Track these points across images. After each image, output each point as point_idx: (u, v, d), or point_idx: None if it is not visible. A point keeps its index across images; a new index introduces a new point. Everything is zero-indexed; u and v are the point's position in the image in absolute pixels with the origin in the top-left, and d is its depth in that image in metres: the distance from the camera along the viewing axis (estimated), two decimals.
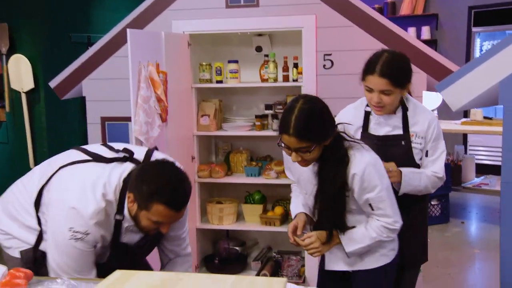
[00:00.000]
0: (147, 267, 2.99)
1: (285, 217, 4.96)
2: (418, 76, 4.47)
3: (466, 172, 7.19)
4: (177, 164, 2.62)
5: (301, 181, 2.86)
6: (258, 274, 4.77)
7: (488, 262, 5.56)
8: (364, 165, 2.55)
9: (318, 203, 2.71)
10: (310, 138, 2.48)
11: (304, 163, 2.60)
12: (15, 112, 6.73)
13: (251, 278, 2.15)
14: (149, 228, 2.52)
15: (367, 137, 2.96)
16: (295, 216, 2.91)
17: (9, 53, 6.57)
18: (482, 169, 7.73)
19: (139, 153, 2.70)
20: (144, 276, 2.21)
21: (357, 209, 2.70)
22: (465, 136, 8.34)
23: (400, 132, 2.97)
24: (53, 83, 5.13)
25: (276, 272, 4.91)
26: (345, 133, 2.65)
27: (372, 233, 2.65)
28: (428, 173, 2.95)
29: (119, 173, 2.57)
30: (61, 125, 6.51)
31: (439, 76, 4.16)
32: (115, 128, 4.95)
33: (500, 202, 2.95)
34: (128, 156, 2.64)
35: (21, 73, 6.49)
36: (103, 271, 2.54)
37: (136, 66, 3.92)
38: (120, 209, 2.55)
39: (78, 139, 5.30)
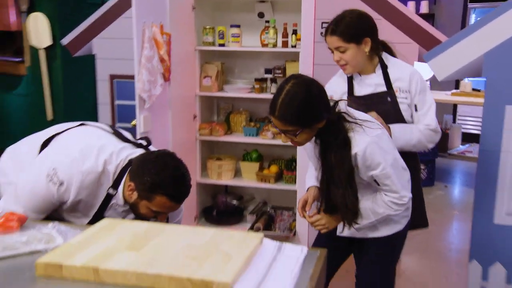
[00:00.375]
0: None
1: (280, 175, 4.85)
2: (410, 47, 4.32)
3: (452, 140, 7.16)
4: (178, 156, 2.45)
5: (308, 154, 2.66)
6: (252, 227, 4.68)
7: (465, 222, 5.50)
8: (364, 145, 2.27)
9: (326, 190, 2.43)
10: (294, 122, 2.24)
11: (295, 144, 2.41)
12: (34, 67, 6.58)
13: (230, 233, 1.99)
14: (147, 216, 2.37)
15: (353, 100, 2.78)
16: (307, 189, 2.69)
17: (29, 11, 6.38)
18: (469, 138, 7.66)
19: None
20: (130, 225, 2.07)
21: (363, 184, 2.44)
22: (455, 106, 8.22)
23: (384, 89, 2.76)
24: (65, 41, 5.00)
25: (269, 225, 4.80)
26: (347, 114, 2.35)
27: (378, 208, 2.40)
28: (420, 127, 2.72)
29: (128, 152, 2.41)
30: (76, 81, 6.36)
31: (431, 47, 3.97)
32: (122, 85, 4.82)
33: (477, 167, 2.90)
34: (144, 144, 2.50)
35: (39, 30, 6.33)
36: None
37: (140, 26, 3.77)
38: (115, 185, 2.39)
39: (91, 94, 5.18)
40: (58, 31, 6.22)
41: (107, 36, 4.77)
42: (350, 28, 2.65)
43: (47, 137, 2.52)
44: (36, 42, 6.36)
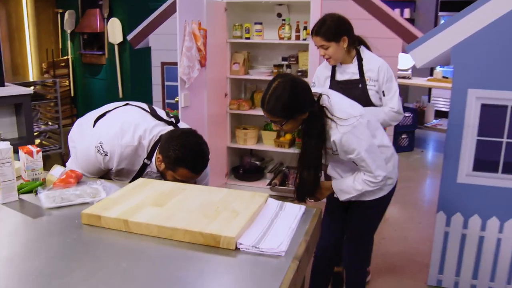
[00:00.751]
0: None
1: (293, 142, 4.57)
2: (395, 41, 4.05)
3: (428, 115, 6.87)
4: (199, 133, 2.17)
5: None
6: (270, 182, 4.42)
7: (434, 179, 5.23)
8: (340, 135, 1.97)
9: (298, 170, 2.15)
10: (279, 114, 1.96)
11: (285, 131, 2.17)
12: (111, 58, 6.49)
13: (239, 192, 1.75)
14: (173, 181, 2.12)
15: (334, 83, 2.61)
16: None
17: (108, 17, 6.34)
18: (439, 114, 7.32)
19: (183, 126, 2.29)
20: (158, 185, 1.83)
21: (347, 161, 2.15)
22: (429, 89, 7.81)
23: (357, 77, 2.57)
24: (129, 37, 4.77)
25: (284, 181, 4.53)
26: (328, 110, 2.03)
27: (357, 185, 2.12)
28: (385, 109, 2.55)
29: (160, 129, 2.16)
30: (139, 67, 6.18)
31: (411, 41, 3.67)
32: (170, 70, 4.57)
33: (445, 138, 2.78)
34: (174, 122, 2.24)
35: (115, 30, 6.27)
36: None
37: (182, 23, 3.51)
38: (149, 156, 2.15)
39: (149, 77, 4.98)
40: (127, 31, 6.05)
41: (160, 32, 4.51)
42: (330, 30, 2.47)
43: (100, 114, 2.30)
44: (112, 40, 6.32)
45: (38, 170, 1.94)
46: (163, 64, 4.59)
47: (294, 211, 1.63)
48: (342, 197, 2.20)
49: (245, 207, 1.58)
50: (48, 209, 1.69)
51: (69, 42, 6.79)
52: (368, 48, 2.65)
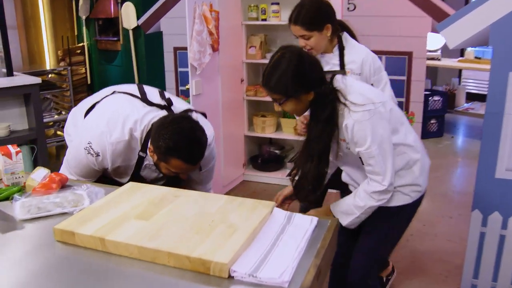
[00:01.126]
0: None
1: None
2: (424, 20, 3.66)
3: (458, 99, 6.41)
4: (195, 117, 1.89)
5: None
6: (290, 173, 4.13)
7: (466, 168, 4.86)
8: (352, 121, 1.62)
9: (300, 162, 1.79)
10: (277, 91, 1.65)
11: (287, 112, 1.83)
12: (126, 44, 6.24)
13: (241, 200, 1.48)
14: (169, 174, 1.86)
15: None
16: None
17: (122, 1, 6.05)
18: (471, 97, 6.88)
19: (180, 108, 2.00)
20: (149, 191, 1.59)
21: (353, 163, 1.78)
22: (460, 71, 7.36)
23: (337, 68, 2.22)
24: (140, 21, 4.53)
25: None
26: (341, 93, 1.67)
27: (359, 201, 1.75)
28: None
29: (152, 116, 1.88)
30: (154, 53, 5.93)
31: (441, 20, 3.32)
32: (183, 55, 4.30)
33: (483, 127, 2.44)
34: (166, 106, 1.95)
35: (129, 15, 6.00)
36: None
37: (191, 5, 3.26)
38: (144, 148, 1.89)
39: (162, 63, 4.75)
40: (141, 15, 5.80)
41: (172, 16, 4.24)
42: (311, 18, 2.10)
43: (90, 106, 2.06)
44: (127, 25, 6.05)
45: (19, 173, 1.72)
46: (175, 49, 4.33)
47: (304, 224, 1.35)
48: (345, 220, 1.79)
49: (245, 219, 1.32)
50: (22, 221, 1.47)
51: (84, 28, 6.60)
52: (352, 35, 2.30)
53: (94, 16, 6.39)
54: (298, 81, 1.63)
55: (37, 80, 4.10)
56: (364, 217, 1.78)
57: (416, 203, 1.89)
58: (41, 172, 1.73)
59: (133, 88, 2.07)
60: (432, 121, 5.83)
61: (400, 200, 1.82)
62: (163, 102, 1.96)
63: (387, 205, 1.80)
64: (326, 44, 2.19)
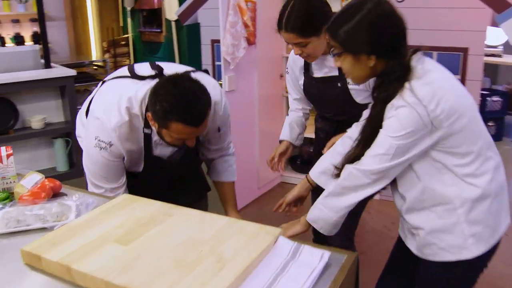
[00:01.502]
0: (198, 177, 2.13)
1: None
2: (482, 12, 3.20)
3: None
4: (194, 76, 1.64)
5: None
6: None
7: None
8: (403, 102, 1.24)
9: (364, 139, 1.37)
10: (339, 39, 1.34)
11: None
12: (168, 35, 6.16)
13: (242, 223, 1.24)
14: (175, 143, 1.64)
15: (308, 78, 1.97)
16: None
17: None
18: None
19: (176, 71, 1.77)
20: (141, 206, 1.39)
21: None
22: None
23: (336, 73, 1.85)
24: (177, 12, 4.35)
25: None
26: (412, 72, 1.29)
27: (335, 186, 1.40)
28: None
29: (146, 88, 1.66)
30: (195, 44, 5.78)
31: (502, 11, 2.90)
32: (219, 48, 4.08)
33: None
34: (158, 73, 1.74)
35: (172, 6, 5.90)
36: (143, 184, 1.77)
37: None
38: (147, 123, 1.69)
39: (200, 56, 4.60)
40: None
41: (209, 6, 4.05)
42: (305, 22, 1.69)
43: (88, 103, 1.88)
44: (170, 16, 5.93)
45: (10, 178, 1.57)
46: (212, 41, 4.13)
47: (312, 261, 1.10)
48: (325, 227, 1.40)
49: (240, 250, 1.09)
50: None
51: (129, 19, 6.56)
52: None
53: (139, 7, 6.33)
54: (370, 37, 1.30)
55: (72, 72, 4.04)
56: (333, 216, 1.39)
57: (486, 257, 1.46)
58: (33, 178, 1.57)
59: (122, 70, 1.87)
60: (490, 124, 5.35)
61: (462, 251, 1.38)
62: (154, 72, 1.74)
63: (443, 259, 1.39)
64: (324, 46, 1.82)
